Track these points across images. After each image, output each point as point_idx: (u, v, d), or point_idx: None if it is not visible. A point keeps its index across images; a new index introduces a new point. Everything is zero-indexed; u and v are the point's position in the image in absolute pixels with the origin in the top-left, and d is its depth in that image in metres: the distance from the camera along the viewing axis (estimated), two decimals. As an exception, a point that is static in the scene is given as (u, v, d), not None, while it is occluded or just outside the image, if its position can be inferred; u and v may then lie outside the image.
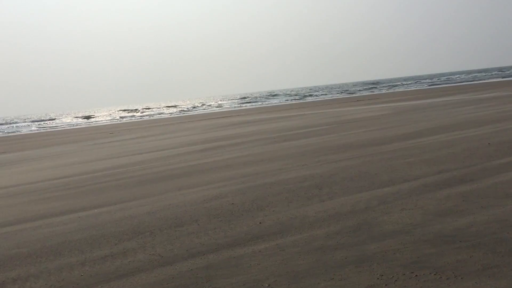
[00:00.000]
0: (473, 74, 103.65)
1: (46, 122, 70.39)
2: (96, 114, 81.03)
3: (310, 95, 75.67)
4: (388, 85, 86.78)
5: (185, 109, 70.35)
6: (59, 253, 5.31)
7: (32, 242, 5.90)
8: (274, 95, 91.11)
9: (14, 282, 4.55)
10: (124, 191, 8.77)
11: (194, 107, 73.31)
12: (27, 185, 10.89)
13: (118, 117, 64.28)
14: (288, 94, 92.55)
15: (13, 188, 10.74)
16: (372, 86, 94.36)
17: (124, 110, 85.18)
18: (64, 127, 51.00)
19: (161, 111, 69.77)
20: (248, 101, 78.69)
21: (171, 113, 61.20)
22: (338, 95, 68.19)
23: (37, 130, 50.48)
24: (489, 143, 9.59)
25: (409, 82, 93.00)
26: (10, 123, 76.83)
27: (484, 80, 66.41)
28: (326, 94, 75.41)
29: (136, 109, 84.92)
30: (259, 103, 68.04)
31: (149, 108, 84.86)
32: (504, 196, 5.77)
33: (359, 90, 77.16)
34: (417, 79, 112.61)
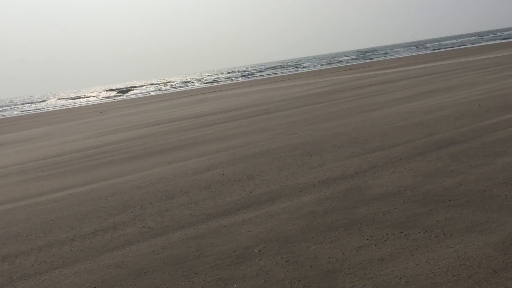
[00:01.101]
0: (468, 38, 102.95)
1: (34, 104, 69.41)
2: (85, 95, 79.92)
3: (303, 67, 75.04)
4: (381, 53, 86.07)
5: (177, 85, 69.74)
6: (49, 230, 5.28)
7: (21, 220, 5.86)
8: (271, 68, 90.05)
9: (4, 260, 4.52)
10: (114, 168, 8.71)
11: (188, 82, 72.69)
12: (17, 166, 10.80)
13: (109, 96, 63.68)
14: (280, 66, 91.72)
15: (3, 169, 10.64)
16: (365, 54, 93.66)
17: (113, 90, 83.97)
18: (53, 108, 50.51)
19: (154, 88, 69.15)
20: (239, 75, 77.97)
21: (164, 90, 60.69)
22: (333, 65, 67.60)
23: (26, 112, 49.91)
24: (479, 104, 9.56)
25: (402, 49, 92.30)
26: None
27: (479, 43, 66.05)
28: (319, 64, 74.78)
29: (129, 87, 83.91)
30: (248, 77, 67.45)
31: (141, 86, 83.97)
32: (493, 154, 5.76)
33: (353, 59, 76.34)
34: (407, 46, 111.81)
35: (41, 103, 69.17)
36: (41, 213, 6.09)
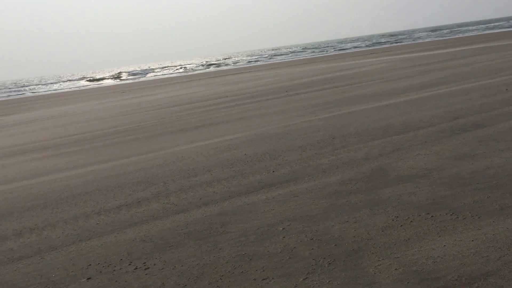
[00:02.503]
0: (497, 23, 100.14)
1: (59, 84, 70.06)
2: (103, 76, 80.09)
3: (321, 51, 74.18)
4: (405, 37, 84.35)
5: (196, 67, 69.73)
6: (74, 204, 5.37)
7: (48, 194, 5.97)
8: (291, 51, 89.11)
9: (31, 232, 4.61)
10: (137, 146, 8.79)
11: (206, 65, 72.60)
12: (41, 142, 10.98)
13: (128, 77, 64.02)
14: (302, 50, 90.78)
15: (28, 145, 10.83)
16: (391, 37, 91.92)
17: (127, 72, 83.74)
18: (73, 88, 51.07)
19: (171, 71, 69.30)
20: (259, 58, 77.49)
21: (182, 72, 60.81)
22: (354, 49, 66.67)
23: (46, 92, 50.49)
24: (506, 89, 9.35)
25: (427, 33, 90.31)
26: (16, 87, 75.95)
27: (507, 28, 64.29)
28: (339, 48, 73.81)
29: (144, 70, 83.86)
30: (268, 60, 67.00)
31: (162, 68, 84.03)
32: (522, 139, 5.64)
33: (379, 43, 74.73)
34: (433, 30, 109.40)
35: (60, 84, 69.77)
36: (66, 187, 6.20)
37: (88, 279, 3.41)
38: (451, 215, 3.71)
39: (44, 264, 3.80)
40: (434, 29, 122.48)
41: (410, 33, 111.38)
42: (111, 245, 4.00)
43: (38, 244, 4.25)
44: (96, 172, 6.88)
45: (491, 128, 6.38)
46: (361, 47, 69.11)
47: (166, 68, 78.90)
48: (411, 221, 3.70)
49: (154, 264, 3.51)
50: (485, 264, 2.90)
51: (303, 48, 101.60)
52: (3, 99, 43.75)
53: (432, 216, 3.73)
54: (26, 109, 25.53)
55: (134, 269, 3.48)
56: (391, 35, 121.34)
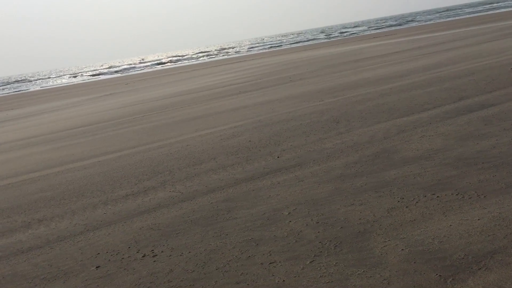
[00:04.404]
0: (497, 4, 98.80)
1: (53, 79, 69.90)
2: (103, 69, 79.74)
3: (327, 35, 73.64)
4: (406, 20, 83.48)
5: (200, 56, 69.46)
6: (81, 195, 5.41)
7: (55, 186, 6.01)
8: (292, 39, 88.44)
9: (39, 223, 4.66)
10: (141, 136, 8.81)
11: (209, 54, 72.31)
12: (46, 135, 11.03)
13: (137, 67, 63.89)
14: (306, 39, 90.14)
15: (33, 138, 10.89)
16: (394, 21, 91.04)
17: (130, 65, 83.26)
18: (76, 82, 51.12)
19: (172, 60, 69.08)
20: (257, 46, 77.00)
21: (185, 62, 60.64)
22: (354, 35, 66.14)
23: (49, 86, 50.53)
24: (511, 68, 9.27)
25: (433, 15, 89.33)
26: (13, 82, 75.65)
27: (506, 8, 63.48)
28: (340, 34, 73.23)
29: (149, 60, 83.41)
30: (274, 47, 66.59)
31: (162, 60, 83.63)
32: (528, 118, 5.60)
33: (383, 27, 73.83)
34: (439, 11, 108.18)
35: (61, 78, 69.69)
36: (73, 179, 6.24)
37: (97, 267, 3.45)
38: (456, 195, 3.70)
39: (53, 254, 3.84)
40: (438, 11, 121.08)
41: (414, 16, 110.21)
42: (119, 233, 4.03)
43: (47, 235, 4.29)
44: (102, 163, 6.91)
45: (496, 108, 6.34)
46: (364, 31, 68.54)
47: (159, 61, 78.27)
48: (417, 202, 3.70)
49: (162, 251, 3.54)
50: (492, 242, 2.90)
51: (300, 34, 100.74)
52: (9, 93, 43.91)
53: (437, 197, 3.72)
54: (30, 103, 25.62)
55: (142, 256, 3.51)
56: (396, 18, 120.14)
